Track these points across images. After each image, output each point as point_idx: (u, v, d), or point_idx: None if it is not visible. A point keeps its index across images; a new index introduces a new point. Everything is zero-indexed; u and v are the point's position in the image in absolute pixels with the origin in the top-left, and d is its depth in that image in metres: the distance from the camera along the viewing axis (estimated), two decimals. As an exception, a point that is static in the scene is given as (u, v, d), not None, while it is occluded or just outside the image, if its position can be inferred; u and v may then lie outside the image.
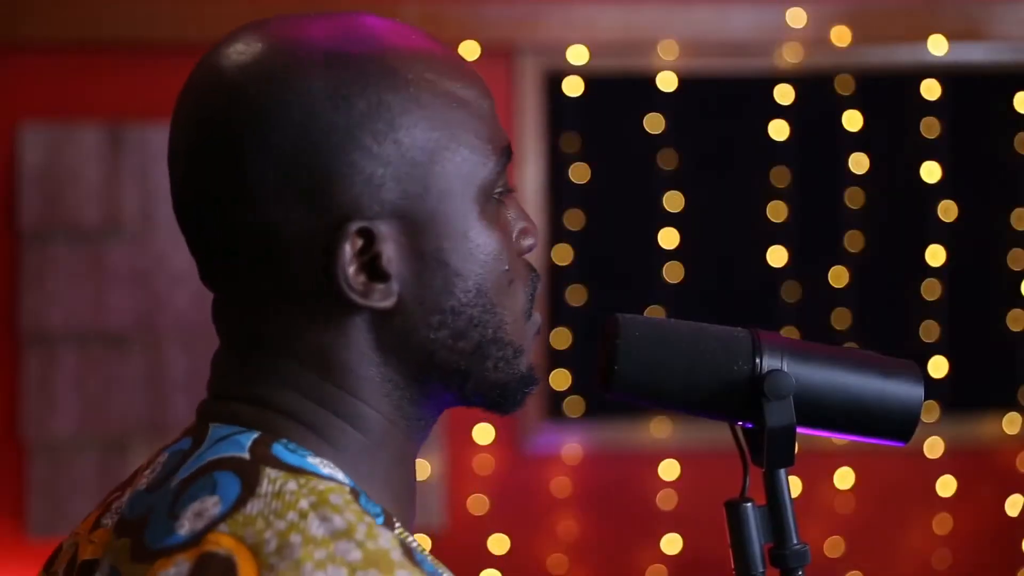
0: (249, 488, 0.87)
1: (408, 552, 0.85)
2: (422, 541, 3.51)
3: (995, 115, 3.51)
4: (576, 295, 3.41)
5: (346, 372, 0.92)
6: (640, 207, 3.42)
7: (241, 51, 0.92)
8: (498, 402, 0.97)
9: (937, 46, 3.43)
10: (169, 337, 3.24)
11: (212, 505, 0.86)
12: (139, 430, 3.24)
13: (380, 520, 0.88)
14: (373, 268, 0.90)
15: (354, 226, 0.89)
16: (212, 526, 0.85)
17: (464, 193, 0.92)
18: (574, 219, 3.41)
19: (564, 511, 3.43)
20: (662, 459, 3.42)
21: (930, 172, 3.46)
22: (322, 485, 0.87)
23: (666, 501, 3.43)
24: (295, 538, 0.83)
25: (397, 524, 0.89)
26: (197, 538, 0.84)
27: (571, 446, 3.41)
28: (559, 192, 3.40)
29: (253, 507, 0.85)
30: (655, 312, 3.35)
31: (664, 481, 3.43)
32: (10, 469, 3.26)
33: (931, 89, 3.45)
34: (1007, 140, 3.50)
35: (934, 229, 3.47)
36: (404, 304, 0.92)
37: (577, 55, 3.36)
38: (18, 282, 3.25)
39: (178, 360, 3.24)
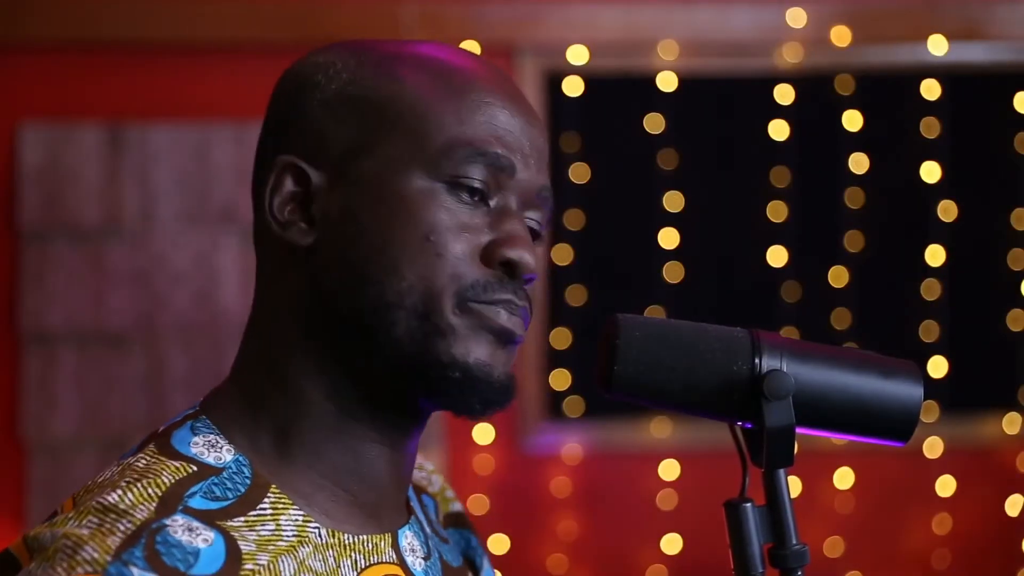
0: (126, 456, 0.95)
1: (121, 555, 0.85)
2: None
3: (995, 115, 3.51)
4: (576, 295, 3.41)
5: (276, 323, 0.98)
6: (640, 207, 3.42)
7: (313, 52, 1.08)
8: (427, 385, 0.94)
9: (937, 46, 3.43)
10: (169, 337, 3.24)
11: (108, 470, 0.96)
12: (139, 430, 3.24)
13: (224, 503, 0.91)
14: (307, 212, 0.97)
15: (287, 159, 0.98)
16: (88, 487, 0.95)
17: (412, 163, 0.95)
18: (574, 219, 3.41)
19: (564, 511, 3.43)
20: (662, 459, 3.42)
21: (930, 172, 3.46)
22: (159, 465, 0.92)
23: (666, 501, 3.43)
24: (59, 518, 0.89)
25: (269, 502, 0.92)
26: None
27: (571, 446, 3.41)
28: (559, 192, 3.40)
29: (106, 474, 0.93)
30: (655, 312, 3.35)
31: (664, 481, 3.43)
32: (10, 469, 3.26)
33: (931, 89, 3.45)
34: (1007, 140, 3.50)
35: (934, 229, 3.47)
36: (319, 249, 0.96)
37: (577, 55, 3.36)
38: (18, 282, 3.25)
39: (178, 360, 3.24)
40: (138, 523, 0.86)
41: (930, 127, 3.46)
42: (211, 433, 0.96)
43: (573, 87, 3.39)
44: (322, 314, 0.96)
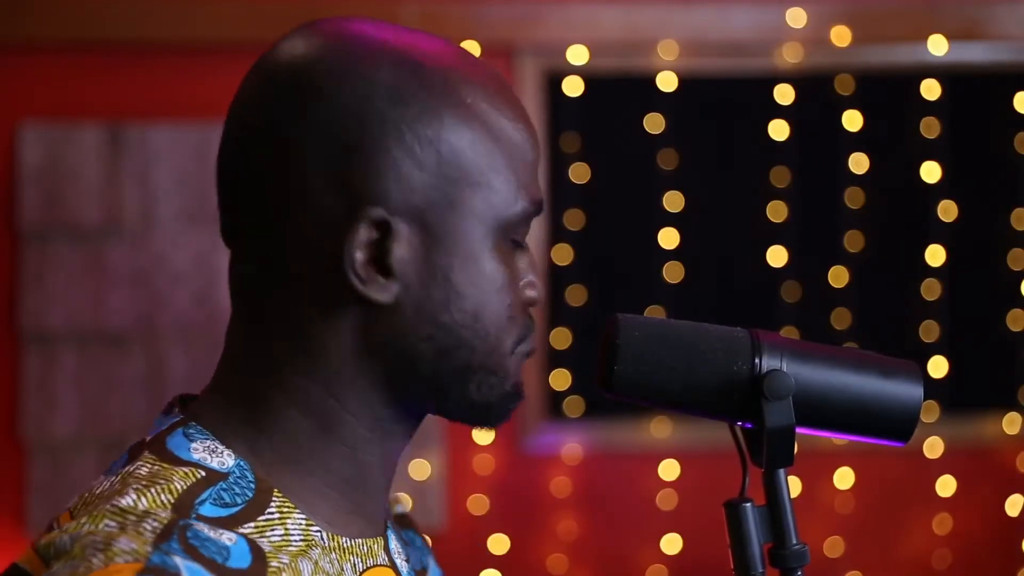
0: (122, 467, 0.93)
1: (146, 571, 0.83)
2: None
3: (995, 115, 3.51)
4: (576, 295, 3.41)
5: (322, 360, 0.94)
6: (640, 207, 3.42)
7: (308, 37, 0.95)
8: (480, 420, 0.99)
9: (937, 46, 3.43)
10: (169, 337, 3.24)
11: (97, 484, 0.93)
12: (139, 430, 3.23)
13: (234, 509, 0.89)
14: (381, 262, 0.92)
15: (374, 212, 0.90)
16: (71, 504, 0.94)
17: (486, 221, 0.93)
18: (574, 219, 3.41)
19: (564, 511, 3.43)
20: (662, 459, 3.42)
21: (930, 172, 3.46)
22: (165, 472, 0.90)
23: (666, 501, 3.43)
24: (69, 526, 0.88)
25: (275, 507, 0.91)
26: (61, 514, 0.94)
27: (571, 446, 3.41)
28: (559, 192, 3.40)
29: (103, 486, 0.91)
30: (655, 312, 3.35)
31: (664, 481, 3.43)
32: (10, 469, 3.26)
33: (931, 89, 3.45)
34: (1007, 140, 3.50)
35: (934, 229, 3.47)
36: (400, 307, 0.92)
37: (577, 55, 3.36)
38: (18, 282, 3.25)
39: (178, 360, 3.24)
40: (164, 521, 0.85)
41: (930, 127, 3.46)
42: (207, 439, 0.94)
43: (573, 87, 3.39)
44: (391, 365, 0.94)
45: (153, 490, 0.88)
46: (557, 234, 3.41)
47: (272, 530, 0.91)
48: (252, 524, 0.90)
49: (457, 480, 3.39)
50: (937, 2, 3.44)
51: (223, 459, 0.92)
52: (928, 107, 3.45)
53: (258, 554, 0.88)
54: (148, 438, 0.96)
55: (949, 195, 3.47)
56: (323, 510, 0.95)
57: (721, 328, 1.01)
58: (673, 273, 3.42)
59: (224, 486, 0.91)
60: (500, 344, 0.96)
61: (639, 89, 3.40)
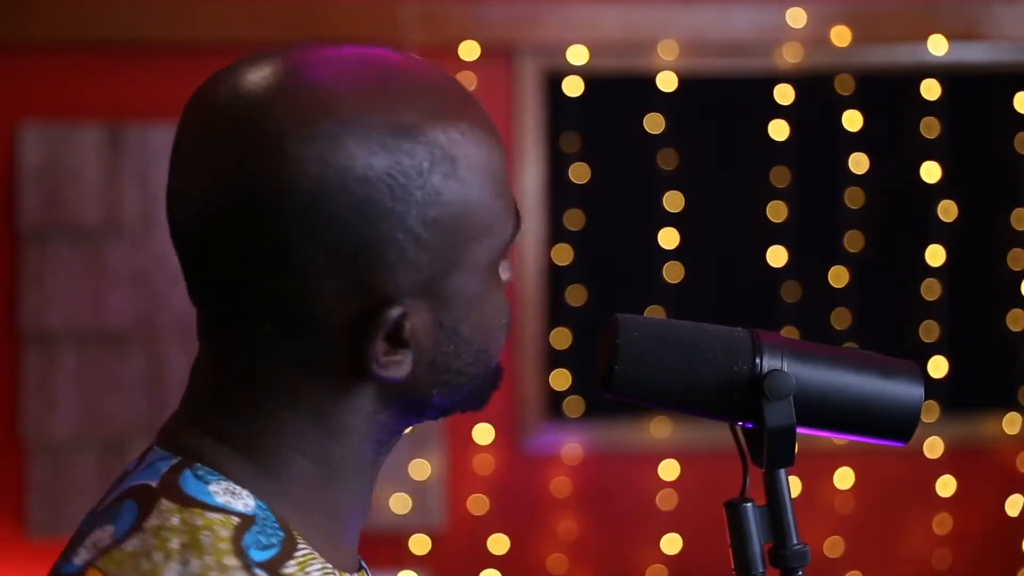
0: (139, 520, 0.86)
1: None
2: (421, 542, 3.50)
3: (995, 115, 3.51)
4: (576, 295, 3.41)
5: (337, 423, 0.92)
6: (640, 207, 3.42)
7: (272, 90, 0.87)
8: (463, 409, 0.99)
9: (937, 46, 3.43)
10: (169, 337, 3.24)
11: (107, 536, 0.86)
12: (139, 430, 3.24)
13: (272, 552, 0.87)
14: (396, 339, 0.89)
15: (395, 312, 0.87)
16: (94, 560, 0.84)
17: (487, 262, 0.92)
18: (574, 219, 3.41)
19: (564, 511, 3.43)
20: (662, 459, 3.42)
21: (930, 172, 3.46)
22: (202, 520, 0.86)
23: (666, 501, 3.43)
24: None
25: (301, 549, 0.89)
26: (81, 571, 0.84)
27: (571, 446, 3.41)
28: (559, 192, 3.40)
29: (133, 544, 0.85)
30: (655, 312, 3.35)
31: (664, 481, 3.43)
32: (10, 469, 3.26)
33: (931, 89, 3.45)
34: (1007, 140, 3.50)
35: (934, 229, 3.47)
36: (415, 371, 0.91)
37: (577, 55, 3.36)
38: (18, 282, 3.25)
39: (178, 360, 3.24)
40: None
41: (930, 127, 3.46)
42: (221, 480, 0.90)
43: (573, 87, 3.39)
44: (404, 409, 0.94)
45: (205, 542, 0.85)
46: (557, 234, 3.41)
47: (311, 566, 0.90)
48: (294, 562, 0.89)
49: (457, 480, 3.39)
50: (937, 2, 3.45)
51: (245, 501, 0.89)
52: (928, 107, 3.46)
53: None
54: (149, 483, 0.89)
55: (949, 195, 3.47)
56: (325, 549, 0.94)
57: (721, 328, 1.01)
58: (673, 273, 3.42)
59: (258, 528, 0.88)
60: (496, 353, 0.97)
61: (639, 89, 3.40)
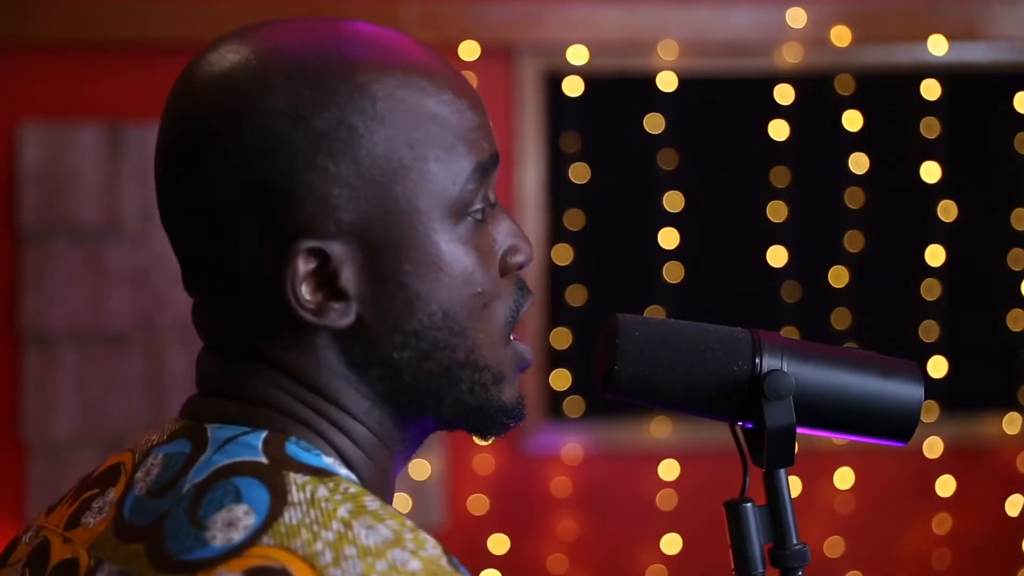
0: (279, 496, 0.86)
1: (447, 554, 0.84)
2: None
3: (995, 115, 3.51)
4: (576, 295, 3.41)
5: (322, 385, 0.92)
6: (640, 207, 3.42)
7: (215, 61, 0.93)
8: (477, 426, 0.96)
9: (937, 46, 3.43)
10: (169, 337, 3.24)
11: (243, 514, 0.85)
12: (139, 430, 3.23)
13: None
14: (332, 287, 0.89)
15: (303, 245, 0.88)
16: (253, 538, 0.83)
17: (430, 212, 0.90)
18: (574, 219, 3.41)
19: (564, 511, 3.43)
20: (662, 459, 3.42)
21: (930, 172, 3.46)
22: (350, 486, 0.87)
23: (666, 501, 3.43)
24: (349, 550, 0.82)
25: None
26: (239, 550, 0.83)
27: (571, 446, 3.41)
28: (559, 192, 3.40)
29: (291, 517, 0.84)
30: (655, 312, 3.35)
31: (664, 481, 3.43)
32: (10, 469, 3.26)
33: (931, 89, 3.45)
34: (1007, 140, 3.50)
35: (934, 229, 3.47)
36: (365, 324, 0.90)
37: (577, 55, 3.36)
38: (18, 282, 3.25)
39: (178, 360, 3.24)
40: (440, 549, 0.85)
41: (930, 127, 3.46)
42: (313, 449, 0.90)
43: (573, 87, 3.39)
44: (379, 379, 0.92)
45: (372, 507, 0.86)
46: (557, 234, 3.41)
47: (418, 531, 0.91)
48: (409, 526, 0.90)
49: (457, 480, 3.39)
50: (937, 2, 3.45)
51: (345, 470, 0.90)
52: (928, 107, 3.45)
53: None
54: (256, 459, 0.89)
55: (949, 195, 3.47)
56: None
57: (721, 328, 1.01)
58: (673, 273, 3.42)
59: (371, 495, 0.89)
60: (482, 335, 0.93)
61: (639, 89, 3.40)
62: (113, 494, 0.93)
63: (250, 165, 0.88)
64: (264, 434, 0.90)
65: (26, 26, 3.24)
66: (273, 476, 0.87)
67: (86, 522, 0.92)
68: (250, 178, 0.88)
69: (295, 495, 0.85)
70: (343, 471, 0.89)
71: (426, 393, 0.93)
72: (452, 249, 0.91)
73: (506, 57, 3.36)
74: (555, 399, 3.40)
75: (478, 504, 3.40)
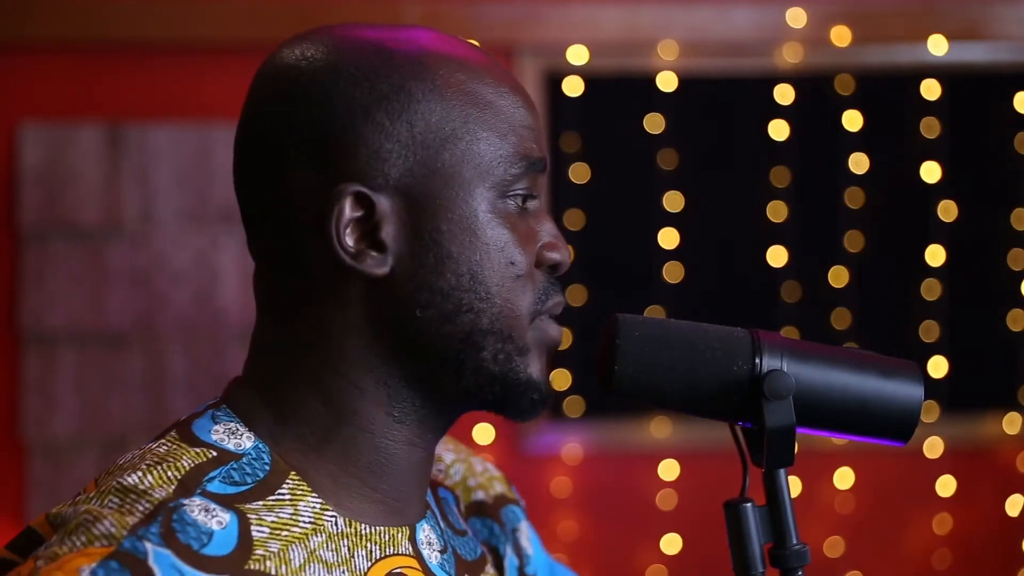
0: (148, 443, 0.97)
1: (119, 556, 0.86)
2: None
3: (995, 115, 3.51)
4: (576, 295, 3.41)
5: (335, 346, 0.96)
6: (640, 207, 3.42)
7: (294, 45, 1.00)
8: (503, 401, 0.98)
9: (937, 46, 3.43)
10: (169, 337, 3.24)
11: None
12: (139, 430, 3.24)
13: (242, 488, 0.92)
14: (373, 238, 0.94)
15: (351, 188, 0.93)
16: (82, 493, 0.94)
17: (473, 182, 0.95)
18: (574, 219, 3.41)
19: (564, 511, 3.43)
20: (662, 459, 3.42)
21: (930, 172, 3.46)
22: (181, 451, 0.94)
23: (666, 501, 3.43)
24: (80, 500, 0.91)
25: (288, 488, 0.94)
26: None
27: (571, 446, 3.41)
28: (559, 192, 3.40)
29: (127, 456, 0.95)
30: (655, 312, 3.35)
31: (664, 481, 3.43)
32: (10, 469, 3.26)
33: (931, 89, 3.45)
34: (1007, 140, 3.50)
35: (934, 229, 3.47)
36: (396, 277, 0.95)
37: (577, 55, 3.36)
38: (18, 282, 3.25)
39: (178, 360, 3.24)
40: (156, 502, 0.89)
41: (930, 127, 3.46)
42: (231, 421, 0.97)
43: (573, 87, 3.39)
44: (398, 339, 0.96)
45: (161, 467, 0.92)
46: (557, 234, 3.40)
47: (281, 508, 0.93)
48: (260, 502, 0.93)
49: (457, 480, 3.39)
50: (937, 2, 3.45)
51: (240, 441, 0.96)
52: (928, 107, 3.45)
53: (245, 539, 0.91)
54: (184, 418, 0.99)
55: (949, 195, 3.47)
56: (341, 496, 0.96)
57: (721, 328, 1.01)
58: (673, 273, 3.42)
59: (235, 466, 0.94)
60: (509, 306, 0.96)
61: (639, 89, 3.40)
62: None
63: (313, 118, 0.94)
64: (211, 402, 1.00)
65: (26, 26, 3.24)
66: (164, 431, 0.98)
67: None
68: (312, 129, 0.95)
69: (149, 444, 0.96)
70: (214, 438, 0.95)
71: (444, 358, 0.96)
72: (489, 219, 0.96)
73: (506, 57, 3.36)
74: (555, 399, 3.40)
75: (478, 504, 3.40)
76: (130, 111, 3.27)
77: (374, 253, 0.94)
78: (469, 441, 3.38)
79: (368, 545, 0.96)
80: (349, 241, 0.94)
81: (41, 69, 3.27)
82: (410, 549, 0.99)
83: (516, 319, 0.97)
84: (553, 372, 3.39)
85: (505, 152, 0.96)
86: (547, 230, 1.00)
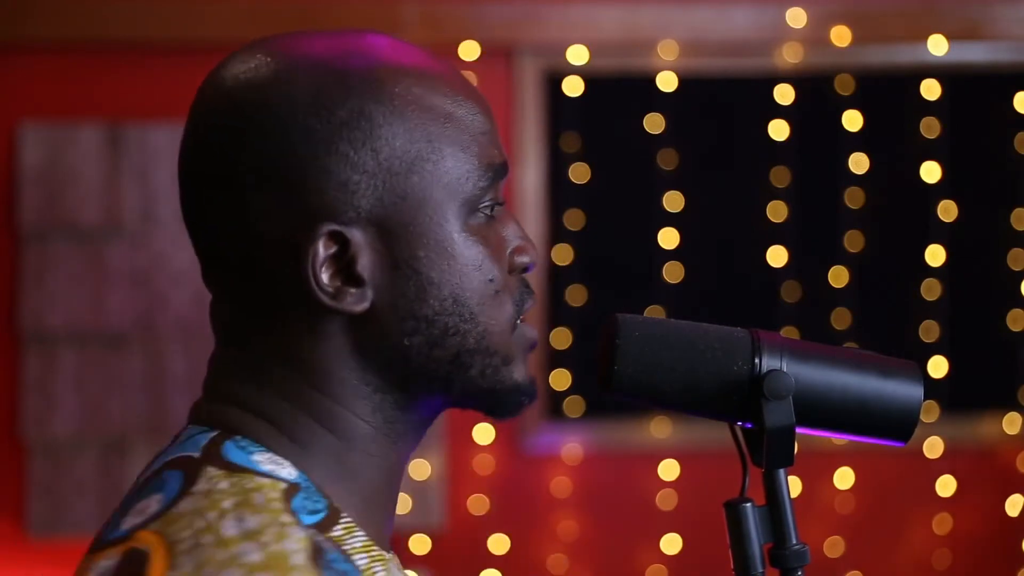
0: (188, 486, 0.89)
1: (316, 553, 0.86)
2: (421, 542, 3.49)
3: (995, 115, 3.51)
4: (576, 295, 3.41)
5: (323, 375, 0.94)
6: (640, 207, 3.42)
7: (241, 60, 0.95)
8: (492, 407, 0.99)
9: (937, 46, 3.43)
10: (169, 337, 3.24)
11: (155, 503, 0.89)
12: (139, 430, 3.24)
13: (318, 516, 0.89)
14: (349, 273, 0.92)
15: (324, 228, 0.91)
16: (146, 523, 0.87)
17: (444, 203, 0.94)
18: (574, 219, 3.41)
19: (564, 511, 3.43)
20: (662, 459, 3.42)
21: (930, 172, 3.46)
22: (252, 483, 0.89)
23: (666, 501, 3.43)
24: (207, 538, 0.85)
25: (344, 518, 0.91)
26: (129, 534, 0.87)
27: (571, 446, 3.41)
28: (559, 192, 3.40)
29: (184, 505, 0.88)
30: (655, 312, 3.35)
31: (664, 481, 3.43)
32: (10, 469, 3.26)
33: (931, 89, 3.45)
34: (1007, 140, 3.50)
35: (934, 229, 3.47)
36: (378, 310, 0.93)
37: (577, 55, 3.36)
38: (18, 282, 3.25)
39: (178, 360, 3.24)
40: (304, 541, 0.87)
41: (930, 127, 3.46)
42: (263, 451, 0.93)
43: (573, 87, 3.39)
44: (386, 366, 0.94)
45: (258, 501, 0.88)
46: (557, 234, 3.41)
47: (352, 536, 0.92)
48: (340, 527, 0.91)
49: (457, 480, 3.39)
50: (937, 2, 3.45)
51: (288, 470, 0.92)
52: (928, 107, 3.46)
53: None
54: (191, 454, 0.92)
55: (949, 195, 3.47)
56: (361, 523, 0.95)
57: (721, 328, 1.01)
58: (673, 273, 3.42)
59: (304, 495, 0.91)
60: (492, 322, 0.96)
61: (639, 89, 3.40)
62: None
63: (273, 152, 0.91)
64: (215, 433, 0.93)
65: (26, 26, 3.24)
66: (194, 469, 0.91)
67: None
68: (273, 165, 0.91)
69: (199, 485, 0.89)
70: (267, 467, 0.91)
71: (434, 377, 0.95)
72: (464, 239, 0.94)
73: (506, 57, 3.36)
74: (555, 399, 3.40)
75: (478, 504, 3.40)
76: (130, 111, 3.28)
77: (352, 289, 0.92)
78: (469, 441, 3.38)
79: (391, 568, 0.96)
80: (325, 279, 0.91)
81: (41, 69, 3.27)
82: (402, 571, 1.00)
83: (500, 334, 0.97)
84: (553, 372, 3.39)
85: (471, 166, 0.95)
86: (513, 232, 0.98)
